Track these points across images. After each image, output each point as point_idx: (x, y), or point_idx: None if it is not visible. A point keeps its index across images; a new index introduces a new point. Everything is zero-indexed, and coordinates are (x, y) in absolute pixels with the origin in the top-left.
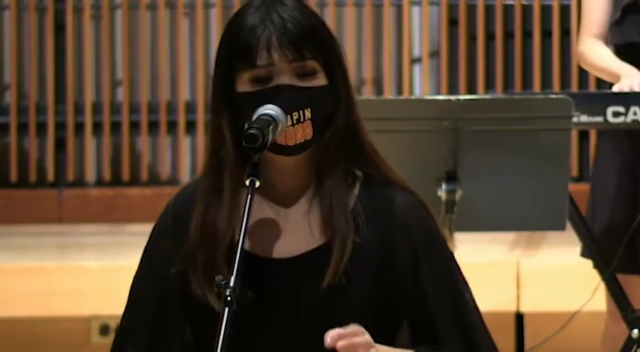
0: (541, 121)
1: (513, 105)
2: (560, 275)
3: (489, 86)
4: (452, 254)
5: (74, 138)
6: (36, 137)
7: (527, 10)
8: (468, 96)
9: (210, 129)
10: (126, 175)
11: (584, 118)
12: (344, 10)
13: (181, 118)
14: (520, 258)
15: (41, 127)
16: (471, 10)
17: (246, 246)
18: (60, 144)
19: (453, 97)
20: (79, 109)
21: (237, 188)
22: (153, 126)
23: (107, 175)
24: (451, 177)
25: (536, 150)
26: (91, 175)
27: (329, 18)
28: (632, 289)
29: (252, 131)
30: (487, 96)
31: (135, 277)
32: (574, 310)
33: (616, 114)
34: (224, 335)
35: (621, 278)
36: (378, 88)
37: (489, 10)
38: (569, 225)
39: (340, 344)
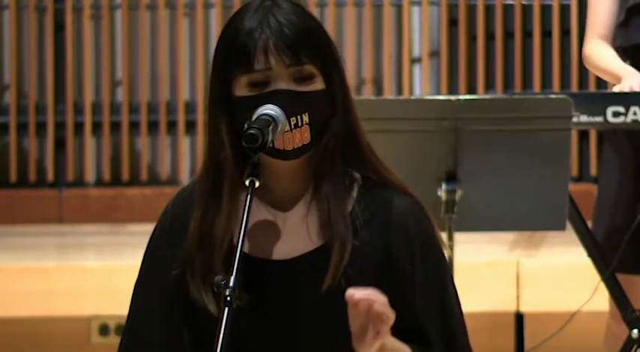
0: (541, 121)
1: (513, 105)
2: (560, 275)
3: (489, 86)
4: (446, 259)
5: (74, 138)
6: (35, 137)
7: (527, 10)
8: (468, 96)
9: (208, 132)
10: (126, 175)
11: (584, 118)
12: (344, 10)
13: (181, 118)
14: (520, 258)
15: (41, 127)
16: (471, 10)
17: (245, 248)
18: (59, 144)
19: (453, 97)
20: (78, 109)
21: (235, 192)
22: (152, 126)
23: (107, 175)
24: (451, 177)
25: (536, 150)
26: (90, 175)
27: (329, 18)
28: (634, 289)
29: (251, 131)
30: (487, 96)
31: (137, 281)
32: (574, 310)
33: (616, 114)
34: (224, 336)
35: (623, 277)
36: (378, 88)
37: (489, 10)
38: (569, 225)
39: (359, 295)
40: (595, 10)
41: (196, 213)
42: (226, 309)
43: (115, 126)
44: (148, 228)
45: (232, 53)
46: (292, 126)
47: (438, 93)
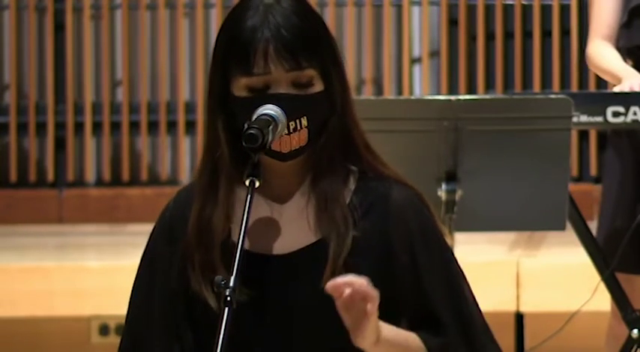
0: (541, 121)
1: (513, 105)
2: (560, 275)
3: (489, 86)
4: (449, 246)
5: (74, 138)
6: (36, 137)
7: (527, 10)
8: (468, 96)
9: (206, 130)
10: (126, 175)
11: (584, 118)
12: (344, 10)
13: (181, 118)
14: (520, 258)
15: (41, 127)
16: (471, 10)
17: (246, 244)
18: (60, 144)
19: (453, 97)
20: (78, 109)
21: (232, 187)
22: (152, 126)
23: (107, 175)
24: (451, 177)
25: (536, 150)
26: (90, 175)
27: (329, 18)
28: (635, 289)
29: (252, 131)
30: (487, 96)
31: (136, 281)
32: (574, 310)
33: (616, 114)
34: (224, 335)
35: (624, 277)
36: (378, 88)
37: (489, 10)
38: (569, 225)
39: (339, 281)
40: (598, 11)
41: (195, 206)
42: (226, 309)
43: (115, 126)
44: (148, 228)
45: (232, 54)
46: (291, 130)
47: (438, 93)
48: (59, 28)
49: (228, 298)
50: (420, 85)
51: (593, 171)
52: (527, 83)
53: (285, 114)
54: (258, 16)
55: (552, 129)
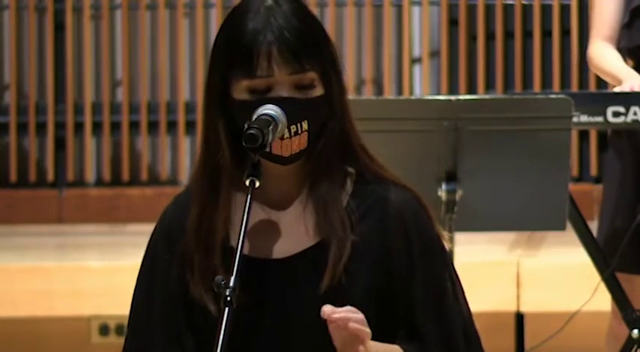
0: (541, 121)
1: (513, 105)
2: (560, 275)
3: (489, 86)
4: (446, 250)
5: (74, 138)
6: (36, 137)
7: (527, 9)
8: (468, 96)
9: (204, 132)
10: (126, 175)
11: (584, 118)
12: (344, 10)
13: (181, 118)
14: (520, 258)
15: (41, 127)
16: (471, 10)
17: (244, 249)
18: (60, 144)
19: (453, 97)
20: (78, 109)
21: (232, 191)
22: (152, 127)
23: (107, 175)
24: (451, 177)
25: (536, 150)
26: (90, 175)
27: (329, 18)
28: (636, 288)
29: (251, 131)
30: (487, 97)
31: (137, 286)
32: (574, 310)
33: (616, 114)
34: (224, 336)
35: (625, 277)
36: (378, 88)
37: (489, 10)
38: (569, 225)
39: (337, 315)
40: (599, 11)
41: (193, 210)
42: (226, 309)
43: (115, 126)
44: (148, 228)
45: (234, 55)
46: (292, 134)
47: (438, 93)
48: (59, 28)
49: (228, 298)
50: (420, 85)
51: (593, 171)
52: (527, 83)
53: (287, 116)
54: (260, 19)
55: (552, 129)
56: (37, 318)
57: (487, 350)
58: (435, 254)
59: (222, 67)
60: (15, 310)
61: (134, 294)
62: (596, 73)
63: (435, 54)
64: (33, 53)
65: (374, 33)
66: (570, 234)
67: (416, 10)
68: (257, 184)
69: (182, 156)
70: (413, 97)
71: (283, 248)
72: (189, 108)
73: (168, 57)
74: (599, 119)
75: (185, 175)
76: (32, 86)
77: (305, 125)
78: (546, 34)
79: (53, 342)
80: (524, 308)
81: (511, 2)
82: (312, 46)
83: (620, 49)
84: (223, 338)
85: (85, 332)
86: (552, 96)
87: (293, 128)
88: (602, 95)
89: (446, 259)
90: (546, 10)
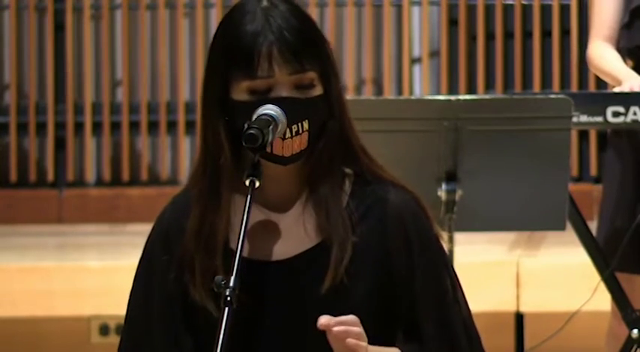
0: (541, 121)
1: (513, 105)
2: (560, 275)
3: (489, 86)
4: (445, 251)
5: (74, 138)
6: (36, 137)
7: (527, 10)
8: (468, 96)
9: (203, 134)
10: (126, 175)
11: (584, 118)
12: (344, 10)
13: (181, 118)
14: (520, 258)
15: (41, 127)
16: (471, 10)
17: (244, 251)
18: (60, 144)
19: (453, 97)
20: (78, 109)
21: (233, 193)
22: (153, 127)
23: (107, 175)
24: (451, 177)
25: (536, 150)
26: (90, 175)
27: (329, 18)
28: (636, 288)
29: (251, 131)
30: (487, 97)
31: (133, 287)
32: (574, 310)
33: (616, 114)
34: (224, 336)
35: (625, 277)
36: (378, 88)
37: (489, 10)
38: (569, 225)
39: (337, 329)
40: (599, 12)
41: (194, 212)
42: (226, 309)
43: (115, 126)
44: (148, 228)
45: (234, 57)
46: (293, 134)
47: (438, 93)
48: (59, 28)
49: (228, 298)
50: (420, 85)
51: (593, 171)
52: (527, 83)
53: (287, 116)
54: (259, 20)
55: (552, 129)
56: (37, 318)
57: (487, 350)
58: (434, 254)
59: (221, 68)
60: (15, 310)
61: (131, 295)
62: (595, 73)
63: (434, 54)
64: (33, 53)
65: (374, 33)
66: (570, 234)
67: (416, 10)
68: (257, 184)
69: (182, 156)
70: (413, 97)
71: (283, 249)
72: (190, 108)
73: (168, 57)
74: (599, 119)
75: (185, 175)
76: (32, 86)
77: (306, 125)
78: (546, 34)
79: (53, 342)
80: (524, 308)
81: (511, 2)
82: (311, 46)
83: (619, 50)
84: (223, 339)
85: (85, 332)
86: (552, 96)
87: (294, 128)
88: (601, 95)
89: (445, 259)
90: (546, 10)
